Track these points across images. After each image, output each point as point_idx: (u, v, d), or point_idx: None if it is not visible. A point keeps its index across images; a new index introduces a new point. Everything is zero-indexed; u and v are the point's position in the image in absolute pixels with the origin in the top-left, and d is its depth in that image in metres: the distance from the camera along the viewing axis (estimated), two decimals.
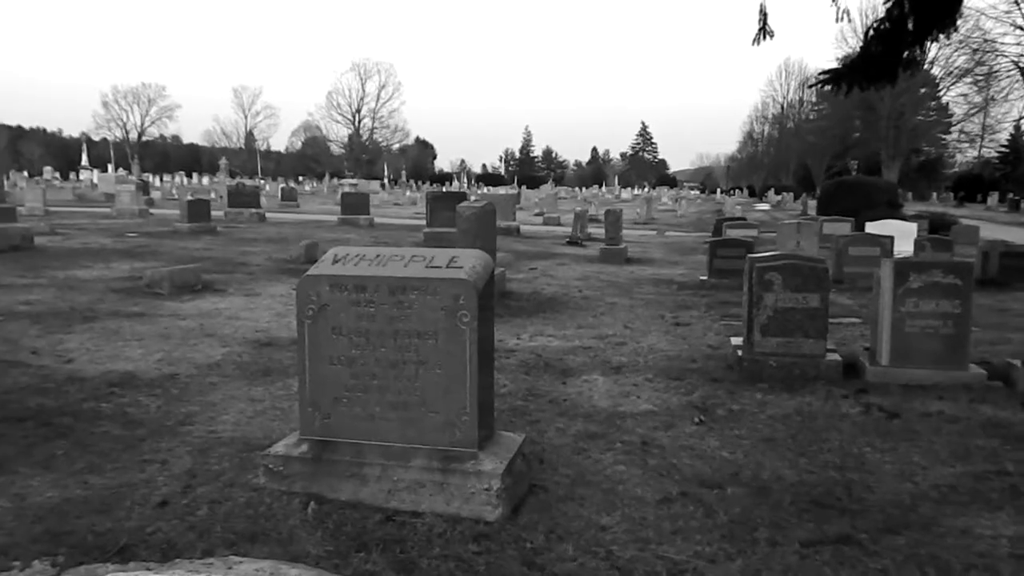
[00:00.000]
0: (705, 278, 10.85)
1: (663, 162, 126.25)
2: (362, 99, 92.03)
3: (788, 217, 26.19)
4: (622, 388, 5.26)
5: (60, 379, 5.05)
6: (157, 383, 5.06)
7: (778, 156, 79.50)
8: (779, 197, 54.04)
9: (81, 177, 55.38)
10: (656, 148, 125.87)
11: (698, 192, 79.19)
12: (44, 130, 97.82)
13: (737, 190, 73.06)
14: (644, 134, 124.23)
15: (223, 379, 5.22)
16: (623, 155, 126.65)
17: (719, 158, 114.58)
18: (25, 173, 54.35)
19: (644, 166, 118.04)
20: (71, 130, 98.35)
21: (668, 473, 3.71)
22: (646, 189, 76.19)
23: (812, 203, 35.97)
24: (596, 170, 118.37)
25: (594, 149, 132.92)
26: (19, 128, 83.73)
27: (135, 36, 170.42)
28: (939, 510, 3.33)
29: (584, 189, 77.66)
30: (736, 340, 5.93)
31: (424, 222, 18.33)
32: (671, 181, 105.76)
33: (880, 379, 5.36)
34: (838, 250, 11.32)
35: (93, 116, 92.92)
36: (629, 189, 76.17)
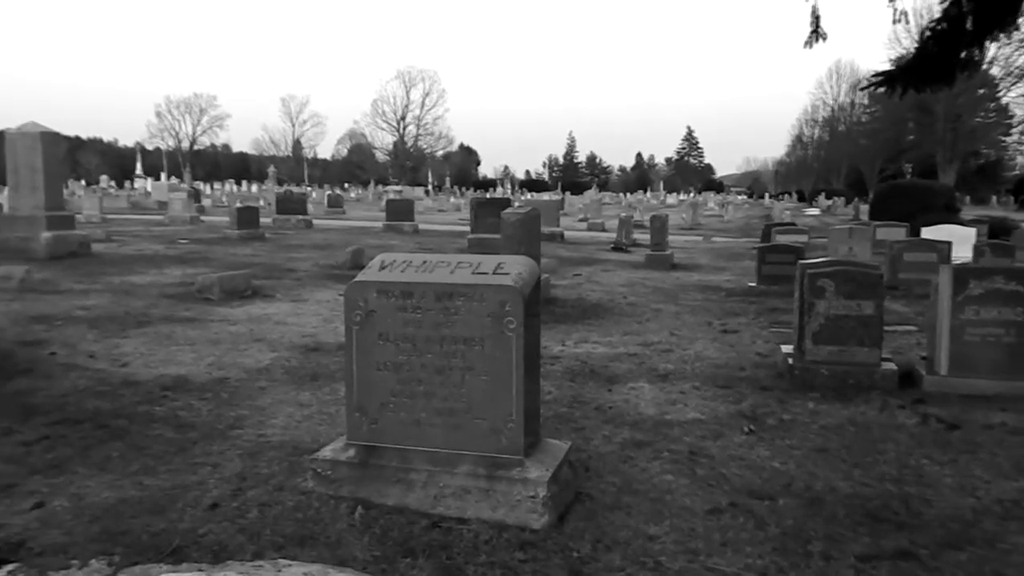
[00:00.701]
0: (753, 284, 10.67)
1: (709, 167, 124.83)
2: (406, 107, 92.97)
3: (839, 222, 25.65)
4: (669, 396, 5.19)
5: (116, 382, 5.18)
6: (208, 387, 5.15)
7: (828, 160, 77.92)
8: (830, 202, 53.00)
9: (135, 185, 56.99)
10: (702, 153, 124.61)
11: (745, 197, 78.13)
12: (101, 140, 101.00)
13: (786, 195, 72.00)
14: (690, 138, 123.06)
15: (272, 383, 5.29)
16: (668, 160, 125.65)
17: (767, 162, 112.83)
18: (83, 182, 56.16)
19: (690, 171, 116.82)
20: (126, 140, 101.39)
21: (717, 483, 3.65)
22: (691, 194, 75.37)
23: (864, 208, 35.17)
24: (641, 175, 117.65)
25: (639, 154, 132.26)
26: (77, 138, 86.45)
27: (188, 48, 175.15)
28: (1003, 526, 3.21)
29: (628, 194, 77.25)
30: (786, 348, 5.82)
31: (468, 228, 18.42)
32: (717, 186, 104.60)
33: (938, 389, 5.20)
34: (892, 256, 11.04)
35: (147, 126, 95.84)
36: (674, 194, 75.48)
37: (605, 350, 6.60)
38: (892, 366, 5.42)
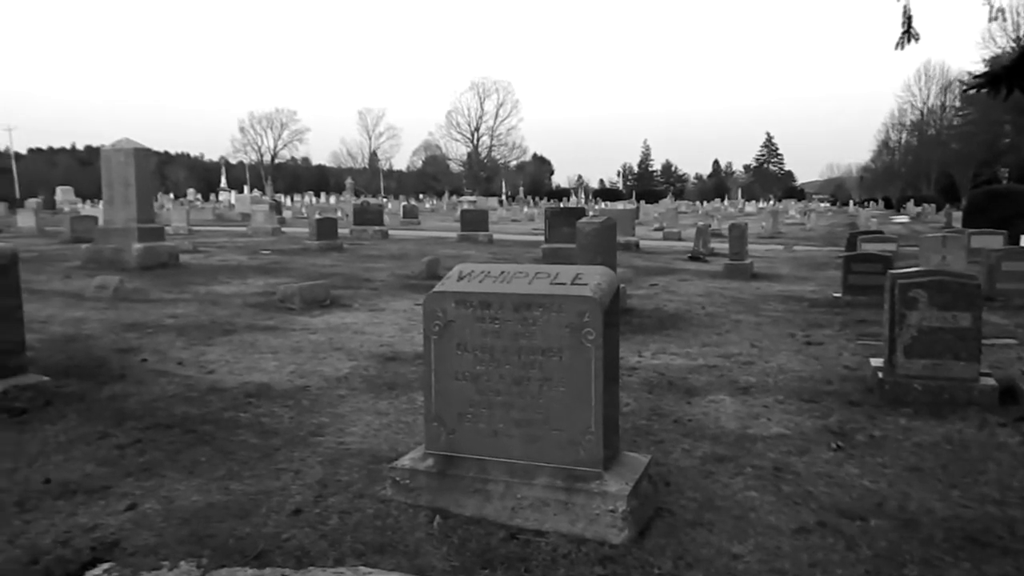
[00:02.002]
0: (839, 295, 10.30)
1: (790, 174, 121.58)
2: (480, 118, 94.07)
3: (930, 230, 24.59)
4: (751, 410, 5.04)
5: (203, 389, 5.35)
6: (290, 394, 5.27)
7: (917, 165, 75.01)
8: (919, 209, 50.91)
9: (220, 198, 59.35)
10: (782, 159, 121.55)
11: (828, 204, 75.80)
12: (188, 155, 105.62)
13: (871, 202, 69.46)
14: (769, 145, 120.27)
15: (351, 392, 5.38)
16: (746, 167, 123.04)
17: (851, 168, 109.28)
18: (171, 195, 58.79)
19: (769, 178, 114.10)
20: (211, 155, 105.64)
21: (804, 501, 3.51)
22: (771, 202, 73.63)
23: (957, 215, 33.60)
24: (718, 183, 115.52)
25: (716, 162, 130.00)
26: (166, 154, 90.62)
27: (270, 65, 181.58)
28: None
29: (705, 203, 76.03)
30: (876, 361, 5.58)
31: (542, 238, 18.44)
32: (798, 193, 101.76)
33: None
34: (990, 265, 10.48)
35: (231, 141, 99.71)
36: (753, 202, 73.91)
37: (683, 361, 6.47)
38: (991, 381, 5.12)
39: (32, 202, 38.18)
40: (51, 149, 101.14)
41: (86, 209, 39.55)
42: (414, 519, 3.19)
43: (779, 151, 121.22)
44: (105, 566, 2.78)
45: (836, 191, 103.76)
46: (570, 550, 2.93)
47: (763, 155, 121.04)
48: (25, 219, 27.61)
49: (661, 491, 3.53)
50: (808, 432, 4.56)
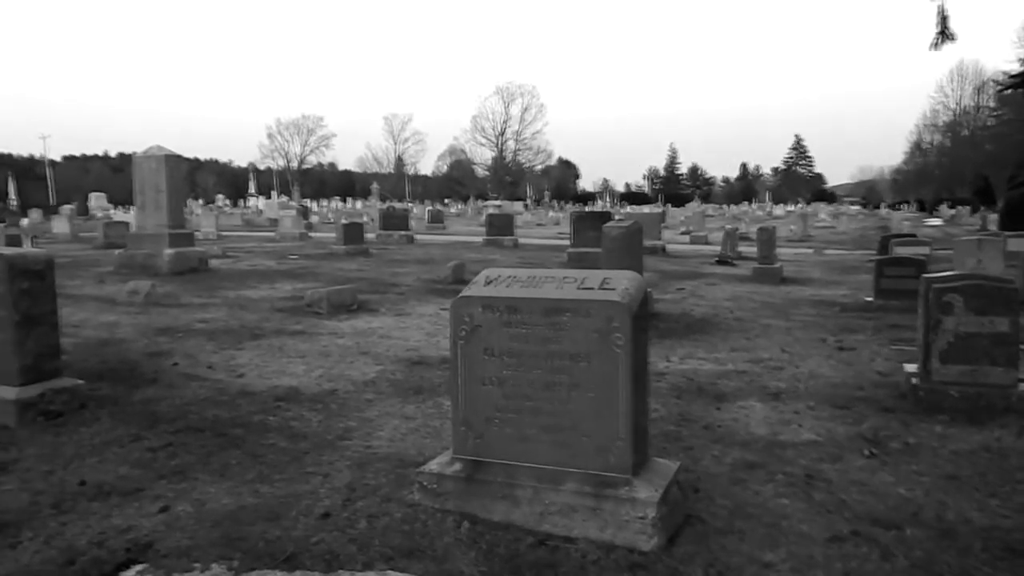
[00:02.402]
0: (871, 299, 10.16)
1: (819, 176, 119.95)
2: (506, 122, 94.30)
3: (965, 233, 24.13)
4: (781, 416, 4.98)
5: (233, 392, 5.40)
6: (318, 398, 5.30)
7: (951, 167, 73.73)
8: (953, 211, 50.07)
9: (248, 204, 60.08)
10: (811, 162, 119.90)
11: (859, 207, 74.75)
12: (217, 161, 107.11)
13: (904, 204, 68.45)
14: (798, 147, 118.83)
15: (378, 396, 5.40)
16: (775, 170, 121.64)
17: (882, 171, 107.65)
18: (201, 201, 59.60)
19: (798, 181, 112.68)
20: (240, 161, 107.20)
21: (837, 509, 3.45)
22: (801, 205, 72.81)
23: (993, 217, 33.03)
24: (746, 186, 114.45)
25: (743, 164, 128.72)
26: (196, 160, 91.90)
27: (298, 71, 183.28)
28: None
29: (733, 206, 75.39)
30: (910, 367, 5.48)
31: (568, 242, 18.41)
32: (828, 196, 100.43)
33: None
34: None
35: (259, 147, 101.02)
36: (782, 205, 73.08)
37: (712, 367, 6.41)
38: None
39: (66, 208, 38.94)
40: (84, 156, 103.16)
41: (118, 215, 40.25)
42: (442, 524, 3.19)
43: (808, 153, 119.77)
44: (139, 567, 2.82)
45: (867, 194, 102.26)
46: (599, 556, 2.91)
47: (792, 157, 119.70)
48: (60, 225, 28.21)
49: (691, 498, 3.50)
50: (840, 439, 4.49)
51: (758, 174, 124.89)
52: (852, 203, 79.16)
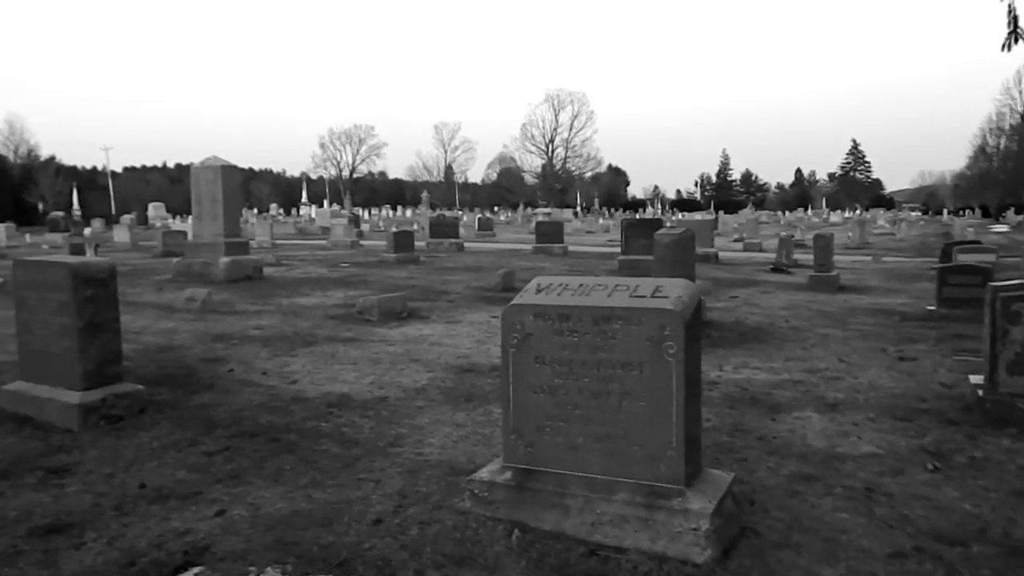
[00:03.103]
0: (932, 308, 9.84)
1: (878, 182, 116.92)
2: (555, 129, 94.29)
3: None
4: (839, 427, 4.85)
5: (286, 398, 5.49)
6: (370, 405, 5.35)
7: (1017, 171, 71.09)
8: (1020, 217, 48.32)
9: (301, 212, 61.23)
10: (869, 167, 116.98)
11: (920, 213, 72.75)
12: (271, 171, 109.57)
13: (967, 210, 66.36)
14: (855, 152, 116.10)
15: (429, 403, 5.42)
16: (831, 176, 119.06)
17: (944, 176, 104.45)
18: (255, 210, 60.97)
19: (856, 187, 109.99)
20: (293, 170, 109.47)
21: (899, 524, 3.34)
22: (858, 211, 71.13)
23: None
24: (800, 192, 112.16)
25: (798, 170, 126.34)
26: (250, 170, 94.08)
27: (350, 81, 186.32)
28: None
29: (787, 213, 74.09)
30: (975, 378, 5.29)
31: (618, 250, 18.30)
32: (887, 202, 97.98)
33: None
34: None
35: (312, 156, 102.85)
36: (839, 212, 71.53)
37: (767, 376, 6.28)
38: None
39: (126, 218, 40.18)
40: (144, 167, 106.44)
41: (176, 224, 41.44)
42: (492, 532, 3.18)
43: (866, 158, 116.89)
44: (196, 570, 2.87)
45: (928, 199, 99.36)
46: (651, 568, 2.86)
47: (849, 163, 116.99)
48: (120, 234, 29.14)
49: (745, 510, 3.42)
50: (902, 452, 4.35)
51: (814, 180, 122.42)
52: (912, 209, 77.14)
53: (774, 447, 4.44)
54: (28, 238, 33.82)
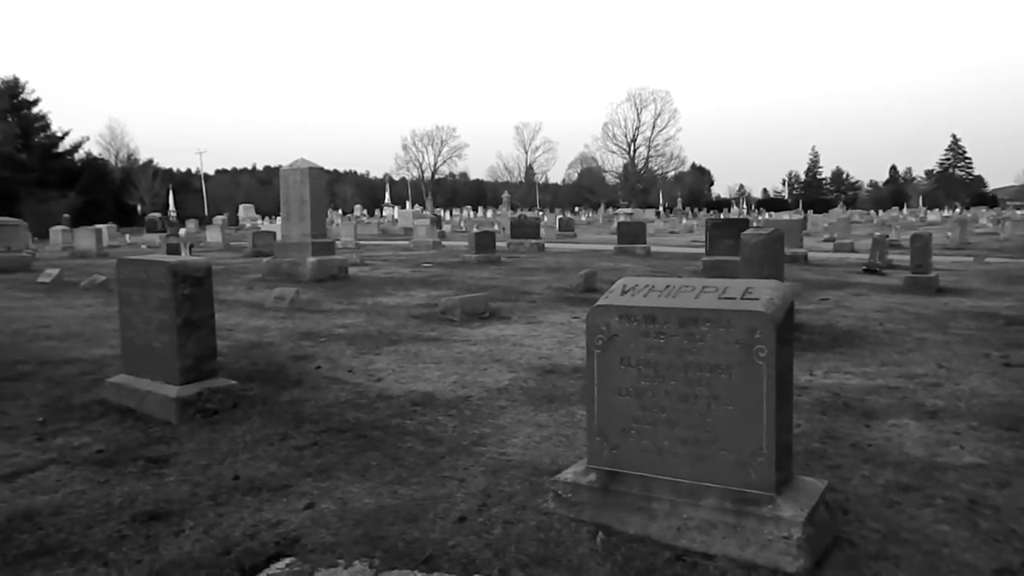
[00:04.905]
0: None
1: (979, 179, 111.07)
2: (637, 128, 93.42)
3: None
4: (939, 436, 4.62)
5: (372, 396, 5.60)
6: (453, 404, 5.40)
7: None
8: None
9: (384, 213, 62.51)
10: (970, 163, 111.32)
11: None
12: (355, 172, 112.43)
13: None
14: (955, 148, 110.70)
15: (511, 403, 5.44)
16: (928, 173, 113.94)
17: None
18: (340, 211, 62.58)
19: (955, 184, 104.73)
20: (376, 172, 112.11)
21: (1005, 539, 3.16)
22: (958, 210, 67.77)
23: None
24: (895, 190, 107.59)
25: (892, 167, 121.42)
26: (335, 172, 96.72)
27: (432, 84, 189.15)
28: None
29: (881, 212, 71.26)
30: None
31: (702, 250, 17.96)
32: (989, 200, 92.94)
33: None
34: None
35: (395, 158, 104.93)
36: (937, 210, 68.32)
37: (860, 381, 6.04)
38: None
39: (219, 219, 41.87)
40: (235, 170, 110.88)
41: (265, 225, 43.00)
42: (576, 534, 3.16)
43: (966, 154, 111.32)
44: (287, 560, 2.95)
45: None
46: None
47: (948, 159, 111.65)
48: (213, 235, 30.44)
49: (839, 519, 3.30)
50: (1008, 463, 4.11)
51: (909, 177, 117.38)
52: (1018, 207, 72.85)
53: (869, 455, 4.26)
54: (128, 238, 35.76)
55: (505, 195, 73.90)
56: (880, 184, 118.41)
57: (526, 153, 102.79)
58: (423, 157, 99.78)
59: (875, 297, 11.69)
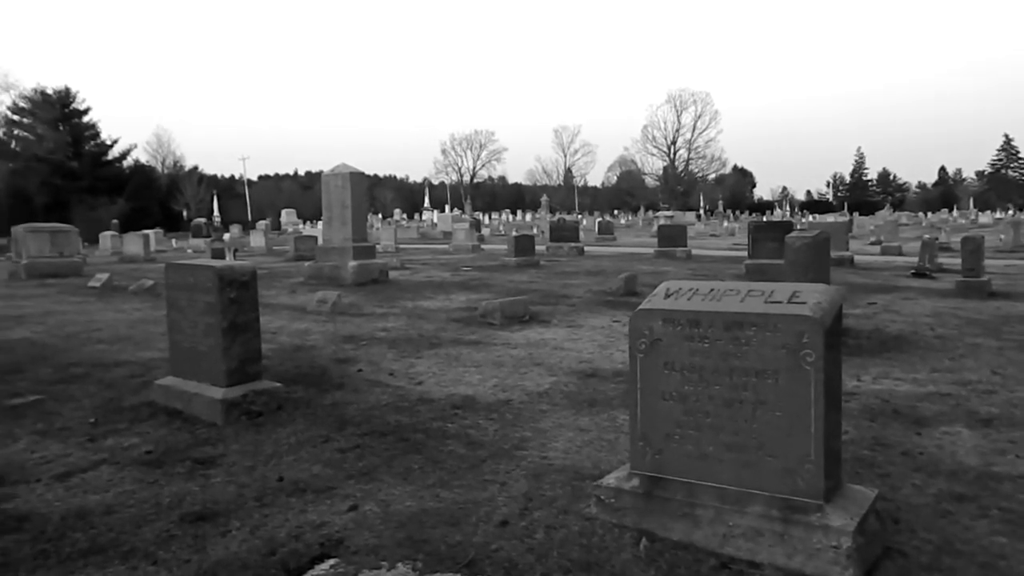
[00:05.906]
0: None
1: None
2: (677, 130, 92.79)
3: None
4: (994, 444, 4.48)
5: (413, 399, 5.62)
6: (493, 408, 5.40)
7: None
8: None
9: (423, 217, 62.97)
10: (1023, 164, 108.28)
11: None
12: (394, 177, 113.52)
13: None
14: (1008, 148, 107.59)
15: (552, 407, 5.42)
16: (979, 174, 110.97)
17: None
18: (380, 215, 63.20)
19: (1008, 185, 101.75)
20: (416, 176, 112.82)
21: None
22: (1011, 212, 65.88)
23: None
24: (945, 192, 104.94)
25: (942, 169, 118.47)
26: (375, 176, 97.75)
27: (470, 88, 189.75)
28: None
29: (930, 214, 69.64)
30: None
31: (744, 253, 17.72)
32: None
33: None
34: None
35: (434, 162, 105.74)
36: (988, 212, 66.51)
37: (910, 388, 5.90)
38: None
39: (261, 224, 42.67)
40: (277, 175, 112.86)
41: (307, 229, 43.59)
42: (619, 539, 3.13)
43: (1019, 154, 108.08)
44: (331, 562, 2.98)
45: None
46: None
47: (1000, 159, 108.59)
48: (256, 239, 30.98)
49: (890, 529, 3.22)
50: None
51: (959, 178, 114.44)
52: None
53: (920, 463, 4.15)
54: (174, 243, 36.56)
55: (544, 198, 73.90)
56: (929, 186, 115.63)
57: (565, 156, 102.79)
58: (462, 161, 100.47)
59: (925, 301, 11.41)
